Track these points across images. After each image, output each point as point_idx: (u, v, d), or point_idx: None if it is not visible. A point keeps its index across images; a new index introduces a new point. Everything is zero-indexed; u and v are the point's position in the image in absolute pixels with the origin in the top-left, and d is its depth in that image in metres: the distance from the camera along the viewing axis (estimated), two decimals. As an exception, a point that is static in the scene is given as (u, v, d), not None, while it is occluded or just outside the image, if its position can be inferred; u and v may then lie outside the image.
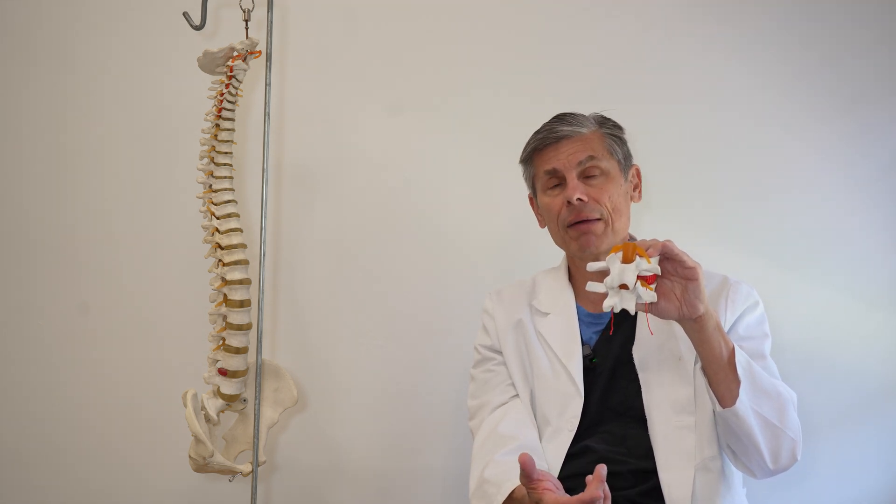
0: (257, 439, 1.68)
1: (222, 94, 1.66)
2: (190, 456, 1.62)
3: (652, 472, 1.48)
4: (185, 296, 1.98)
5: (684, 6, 2.04)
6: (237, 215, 1.67)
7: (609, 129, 1.63)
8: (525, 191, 1.73)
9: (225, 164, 1.68)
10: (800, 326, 1.95)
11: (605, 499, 1.27)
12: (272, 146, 1.85)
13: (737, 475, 1.54)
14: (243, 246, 1.66)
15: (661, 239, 1.31)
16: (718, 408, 1.40)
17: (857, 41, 2.01)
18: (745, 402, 1.37)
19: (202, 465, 1.61)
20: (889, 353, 1.97)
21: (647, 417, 1.51)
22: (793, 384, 1.48)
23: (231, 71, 1.65)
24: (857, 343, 1.96)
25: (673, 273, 1.32)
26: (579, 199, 1.55)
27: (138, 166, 2.05)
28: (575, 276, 1.68)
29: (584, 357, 1.58)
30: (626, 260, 1.29)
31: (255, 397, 1.69)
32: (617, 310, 1.29)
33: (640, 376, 1.53)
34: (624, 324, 1.58)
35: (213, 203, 1.67)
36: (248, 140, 1.96)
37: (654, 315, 1.34)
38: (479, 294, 1.80)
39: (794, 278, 1.98)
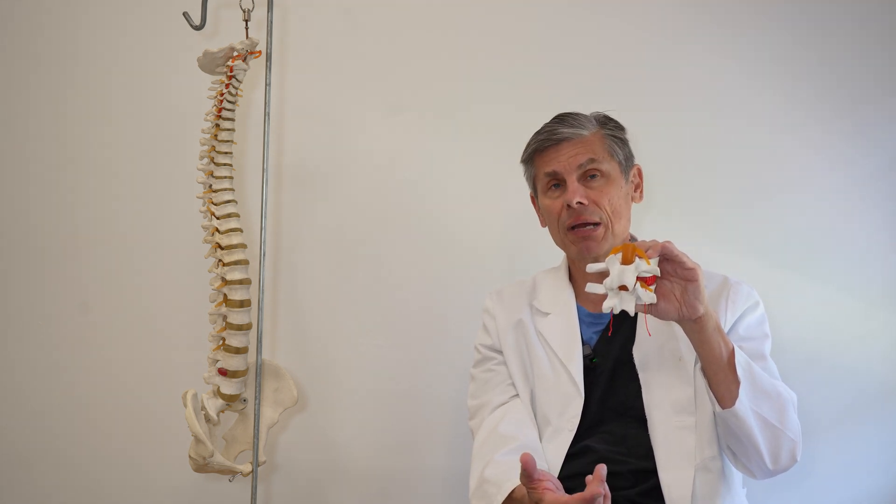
0: (257, 439, 1.68)
1: (222, 94, 1.66)
2: (190, 456, 1.61)
3: (652, 472, 1.47)
4: (186, 296, 1.99)
5: (684, 7, 2.04)
6: (237, 215, 1.67)
7: (610, 130, 1.62)
8: (525, 190, 1.73)
9: (225, 164, 1.67)
10: (800, 326, 1.95)
11: (605, 497, 1.27)
12: (272, 146, 1.85)
13: (737, 475, 1.54)
14: (243, 246, 1.66)
15: (660, 240, 1.31)
16: (718, 408, 1.40)
17: (857, 41, 2.01)
18: (744, 402, 1.37)
19: (202, 465, 1.61)
20: (889, 353, 1.97)
21: (648, 417, 1.51)
22: (793, 384, 1.48)
23: (231, 71, 1.65)
24: (857, 343, 1.97)
25: (672, 274, 1.32)
26: (579, 203, 1.55)
27: (138, 166, 2.05)
28: (575, 275, 1.68)
29: (585, 357, 1.58)
30: (626, 261, 1.28)
31: (255, 397, 1.69)
32: (616, 311, 1.29)
33: (640, 376, 1.53)
34: (624, 324, 1.57)
35: (213, 203, 1.67)
36: (248, 140, 1.96)
37: (654, 316, 1.34)
38: (479, 294, 1.79)
39: (793, 278, 1.98)
